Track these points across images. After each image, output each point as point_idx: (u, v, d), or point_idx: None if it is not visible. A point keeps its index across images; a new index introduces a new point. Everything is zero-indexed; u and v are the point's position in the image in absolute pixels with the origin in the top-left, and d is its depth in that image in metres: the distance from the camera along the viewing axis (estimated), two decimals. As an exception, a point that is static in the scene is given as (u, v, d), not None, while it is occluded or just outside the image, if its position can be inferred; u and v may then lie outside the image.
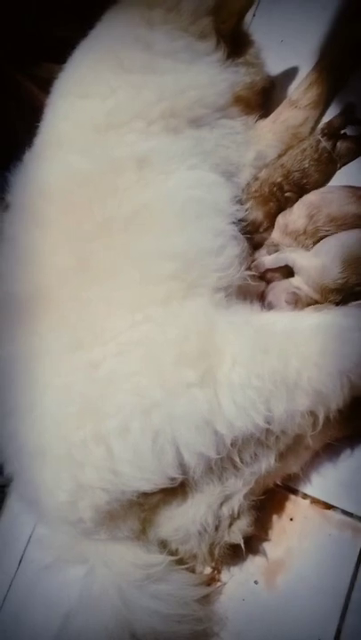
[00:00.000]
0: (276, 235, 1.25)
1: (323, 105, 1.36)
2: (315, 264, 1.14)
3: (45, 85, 1.32)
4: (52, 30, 1.26)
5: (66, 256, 1.09)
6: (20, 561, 1.46)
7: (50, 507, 1.04)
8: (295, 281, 1.18)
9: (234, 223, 1.17)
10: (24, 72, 1.62)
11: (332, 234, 1.18)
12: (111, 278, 1.06)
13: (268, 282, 1.25)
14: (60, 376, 1.02)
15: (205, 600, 1.11)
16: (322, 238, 1.19)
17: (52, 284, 1.08)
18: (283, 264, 1.21)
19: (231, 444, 0.97)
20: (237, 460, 1.00)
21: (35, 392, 1.04)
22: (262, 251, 1.25)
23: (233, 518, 1.05)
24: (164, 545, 1.09)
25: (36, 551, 1.42)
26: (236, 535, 1.06)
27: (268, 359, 0.98)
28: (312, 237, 1.21)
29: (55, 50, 1.29)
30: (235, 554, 1.10)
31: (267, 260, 1.23)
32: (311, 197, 1.22)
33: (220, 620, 1.11)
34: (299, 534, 1.11)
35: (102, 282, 1.05)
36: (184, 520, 1.03)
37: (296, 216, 1.22)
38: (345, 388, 0.97)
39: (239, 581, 1.13)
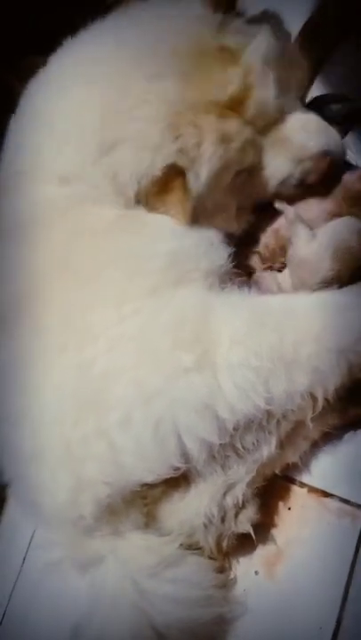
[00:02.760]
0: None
1: (307, 80, 1.33)
2: (309, 252, 1.10)
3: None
4: (37, 21, 1.23)
5: (45, 262, 1.08)
6: (22, 565, 1.44)
7: (50, 507, 1.03)
8: (282, 281, 1.16)
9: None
10: (6, 66, 1.59)
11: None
12: (93, 278, 1.04)
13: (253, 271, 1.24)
14: (52, 378, 1.01)
15: (223, 584, 1.10)
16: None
17: (35, 292, 1.07)
18: (294, 229, 1.15)
19: (233, 429, 0.96)
20: (239, 446, 0.99)
21: (27, 397, 1.02)
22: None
23: (238, 508, 1.04)
24: (170, 538, 1.08)
25: (37, 557, 1.39)
26: (243, 524, 1.05)
27: (266, 336, 0.97)
28: None
29: (41, 42, 1.26)
30: (242, 548, 1.10)
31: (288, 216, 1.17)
32: None
33: (242, 603, 1.09)
34: (297, 523, 1.10)
35: (84, 282, 1.04)
36: (188, 513, 1.02)
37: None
38: (343, 366, 0.97)
39: (240, 572, 1.12)
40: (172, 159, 1.04)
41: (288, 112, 1.13)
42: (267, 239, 1.22)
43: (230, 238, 1.18)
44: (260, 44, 1.05)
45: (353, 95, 1.25)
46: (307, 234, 1.12)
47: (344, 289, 1.05)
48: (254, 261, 1.23)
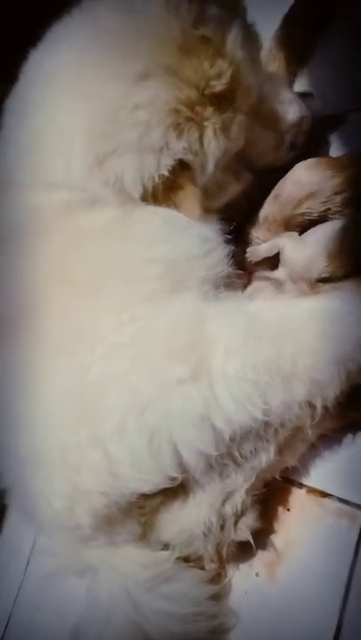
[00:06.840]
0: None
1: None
2: (302, 257, 1.12)
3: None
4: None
5: (42, 270, 1.07)
6: (24, 574, 1.44)
7: (47, 514, 1.02)
8: (279, 275, 1.16)
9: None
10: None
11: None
12: (92, 285, 1.04)
13: (252, 272, 1.24)
14: (50, 385, 1.00)
15: (217, 596, 1.10)
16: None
17: (33, 301, 1.06)
18: (277, 250, 1.19)
19: (230, 439, 0.95)
20: (237, 455, 0.99)
21: (24, 403, 1.02)
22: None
23: (237, 516, 1.04)
24: (167, 548, 1.07)
25: (39, 563, 1.40)
26: (243, 532, 1.05)
27: (262, 347, 0.96)
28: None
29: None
30: (242, 551, 1.10)
31: (262, 248, 1.21)
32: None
33: (235, 614, 1.10)
34: (297, 524, 1.11)
35: (83, 290, 1.03)
36: (187, 522, 1.02)
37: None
38: (342, 374, 0.96)
39: (241, 575, 1.13)
40: (178, 157, 1.04)
41: (262, 89, 1.16)
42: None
43: (233, 214, 1.20)
44: (237, 33, 1.04)
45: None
46: (291, 239, 1.16)
47: (338, 295, 1.05)
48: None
